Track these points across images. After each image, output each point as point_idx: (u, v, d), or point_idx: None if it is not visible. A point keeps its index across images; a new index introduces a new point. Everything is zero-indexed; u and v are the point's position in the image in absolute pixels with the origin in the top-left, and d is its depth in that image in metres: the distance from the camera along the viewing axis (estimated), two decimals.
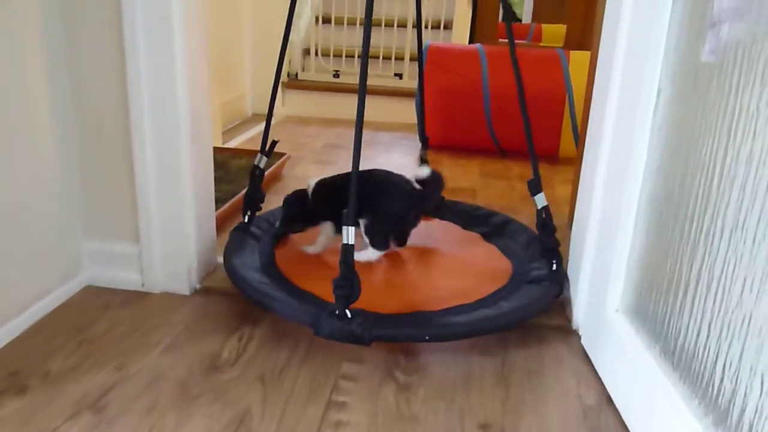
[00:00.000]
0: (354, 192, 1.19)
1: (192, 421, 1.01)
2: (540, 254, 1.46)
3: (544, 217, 1.40)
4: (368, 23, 1.17)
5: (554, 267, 1.40)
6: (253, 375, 1.14)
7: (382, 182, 1.56)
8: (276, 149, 1.66)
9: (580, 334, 1.31)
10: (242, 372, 1.15)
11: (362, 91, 1.18)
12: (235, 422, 1.01)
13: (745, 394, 0.74)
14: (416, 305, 1.35)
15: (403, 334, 1.23)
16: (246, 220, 1.60)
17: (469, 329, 1.25)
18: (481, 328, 1.26)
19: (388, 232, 1.58)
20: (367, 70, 1.19)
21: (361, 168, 1.26)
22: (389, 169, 1.60)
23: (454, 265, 1.57)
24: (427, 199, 1.61)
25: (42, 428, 0.98)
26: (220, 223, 1.69)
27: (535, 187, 1.40)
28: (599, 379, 1.17)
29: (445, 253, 1.64)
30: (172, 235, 1.40)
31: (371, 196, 1.48)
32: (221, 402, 1.06)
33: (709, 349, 0.82)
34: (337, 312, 1.17)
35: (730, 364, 0.77)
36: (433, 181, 1.61)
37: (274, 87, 1.59)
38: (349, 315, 1.17)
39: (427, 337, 1.21)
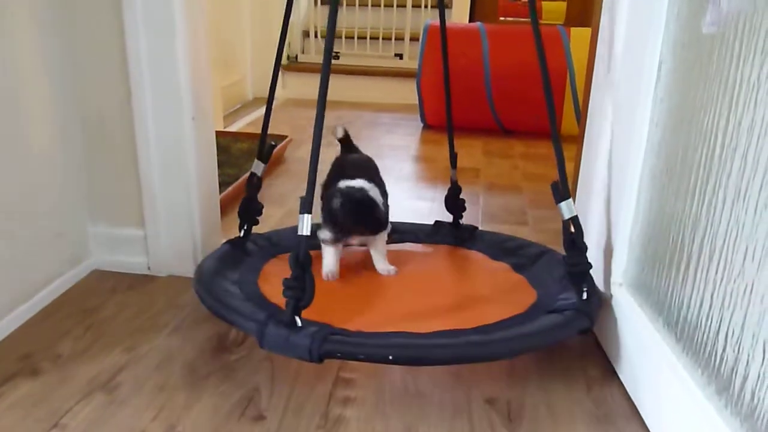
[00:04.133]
0: (312, 179, 1.07)
1: (201, 401, 1.02)
2: (568, 278, 1.17)
3: (573, 232, 1.13)
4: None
5: (584, 295, 1.13)
6: (260, 354, 1.15)
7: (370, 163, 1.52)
8: (278, 132, 1.65)
9: None
10: (250, 352, 1.16)
11: (326, 69, 1.10)
12: (244, 401, 1.03)
13: (747, 362, 0.74)
14: (401, 326, 1.14)
15: (363, 352, 1.01)
16: (241, 233, 1.41)
17: (447, 354, 1.04)
18: (460, 354, 1.04)
19: None
20: (331, 55, 1.09)
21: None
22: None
23: (469, 292, 1.33)
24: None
25: (55, 409, 0.99)
26: (224, 206, 1.70)
27: (560, 192, 1.13)
28: (603, 352, 1.18)
29: (463, 280, 1.40)
30: (177, 219, 1.40)
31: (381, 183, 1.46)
32: (230, 381, 1.07)
33: (712, 319, 0.83)
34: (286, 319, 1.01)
35: (733, 333, 0.78)
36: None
37: (272, 85, 1.41)
38: (299, 323, 1.02)
39: (390, 357, 1.00)
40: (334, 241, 1.33)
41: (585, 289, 1.13)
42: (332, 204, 1.30)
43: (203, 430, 0.96)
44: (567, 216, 1.12)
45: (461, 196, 1.57)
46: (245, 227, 1.41)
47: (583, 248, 1.13)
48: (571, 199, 1.12)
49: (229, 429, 0.96)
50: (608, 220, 1.20)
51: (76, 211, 1.40)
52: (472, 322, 1.15)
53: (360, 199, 1.32)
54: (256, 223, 1.43)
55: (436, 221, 1.62)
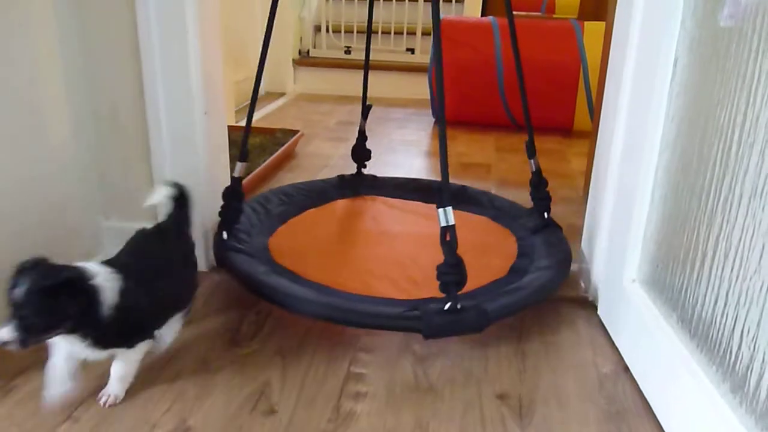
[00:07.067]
0: (246, 132, 1.34)
1: (213, 395, 1.03)
2: (440, 285, 1.15)
3: (448, 240, 1.12)
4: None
5: (446, 306, 1.12)
6: (272, 349, 1.15)
7: (156, 258, 1.08)
8: (289, 126, 1.66)
9: (596, 304, 1.31)
10: (261, 346, 1.16)
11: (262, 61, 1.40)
12: (255, 395, 1.03)
13: (764, 359, 0.74)
14: (324, 275, 1.34)
15: (239, 276, 1.28)
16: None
17: (293, 303, 1.18)
18: (318, 312, 1.17)
19: None
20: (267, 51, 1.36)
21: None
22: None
23: (425, 271, 1.36)
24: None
25: (68, 402, 1.00)
26: None
27: (441, 198, 1.12)
28: (616, 348, 1.17)
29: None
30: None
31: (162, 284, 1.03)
32: (241, 375, 1.08)
33: (727, 316, 0.82)
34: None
35: (748, 331, 0.77)
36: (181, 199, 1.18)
37: (252, 99, 1.44)
38: (225, 237, 1.36)
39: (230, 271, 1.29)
40: (20, 344, 0.87)
41: (449, 302, 1.11)
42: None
43: (215, 423, 0.96)
44: (443, 224, 1.11)
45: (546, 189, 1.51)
46: (358, 168, 1.87)
47: (454, 261, 1.11)
48: (450, 208, 1.10)
49: (241, 422, 0.97)
50: (622, 217, 1.19)
51: (89, 206, 1.41)
52: (378, 293, 1.29)
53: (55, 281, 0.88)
54: (365, 166, 1.88)
55: (531, 208, 1.60)
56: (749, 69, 0.80)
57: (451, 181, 2.11)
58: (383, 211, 1.74)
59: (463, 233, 1.51)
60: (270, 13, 1.37)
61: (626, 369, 1.12)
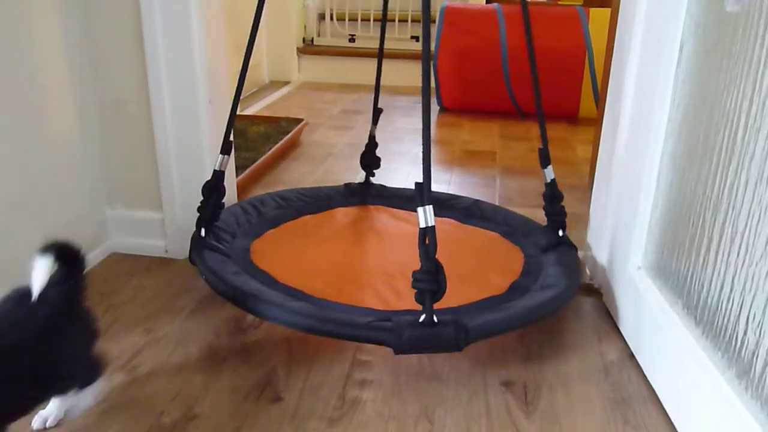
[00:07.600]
0: (231, 120, 1.24)
1: (219, 382, 1.03)
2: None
3: (427, 244, 1.01)
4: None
5: (421, 318, 1.02)
6: (277, 337, 1.16)
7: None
8: (293, 115, 1.65)
9: (601, 292, 1.31)
10: (267, 335, 1.17)
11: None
12: (261, 382, 1.03)
13: None
14: (295, 278, 1.26)
15: (205, 274, 1.19)
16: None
17: (277, 313, 1.09)
18: (285, 319, 1.09)
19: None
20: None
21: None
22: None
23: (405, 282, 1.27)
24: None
25: None
26: (241, 189, 1.71)
27: (421, 197, 1.02)
28: (621, 335, 1.17)
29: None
30: (194, 202, 1.40)
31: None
32: (247, 363, 1.08)
33: (733, 302, 0.82)
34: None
35: (754, 316, 0.77)
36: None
37: (237, 91, 1.33)
38: (203, 234, 1.30)
39: (204, 277, 1.20)
40: None
41: (424, 314, 1.01)
42: None
43: (221, 411, 0.97)
44: (422, 225, 1.00)
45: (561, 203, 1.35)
46: (366, 176, 1.73)
47: (431, 267, 1.00)
48: (431, 207, 1.00)
49: (247, 410, 0.97)
50: (627, 204, 1.19)
51: (94, 194, 1.41)
52: (356, 302, 1.21)
53: None
54: (373, 175, 1.73)
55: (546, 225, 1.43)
56: (756, 54, 0.79)
57: (456, 168, 2.12)
58: (386, 221, 1.61)
59: (468, 248, 1.48)
60: (257, 7, 1.32)
61: (631, 356, 1.12)
